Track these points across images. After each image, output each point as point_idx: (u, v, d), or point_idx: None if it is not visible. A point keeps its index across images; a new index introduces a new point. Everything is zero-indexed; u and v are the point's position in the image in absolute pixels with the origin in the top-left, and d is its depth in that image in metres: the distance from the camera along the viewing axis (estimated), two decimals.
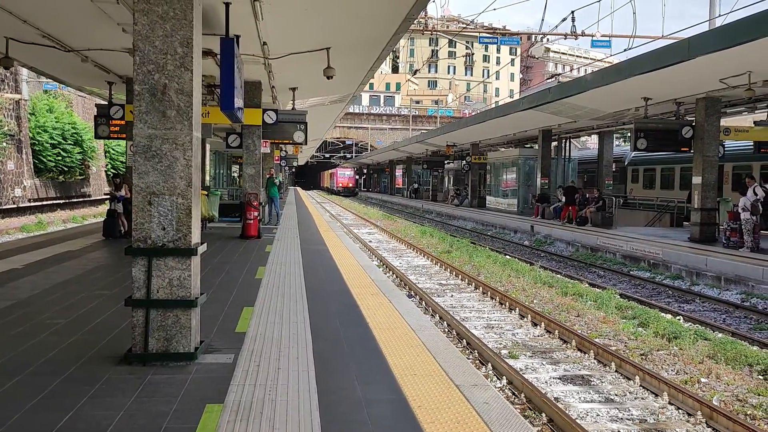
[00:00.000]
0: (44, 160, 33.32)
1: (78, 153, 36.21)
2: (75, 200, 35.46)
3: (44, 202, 31.53)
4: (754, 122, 19.88)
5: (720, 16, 19.86)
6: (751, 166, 22.54)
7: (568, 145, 32.84)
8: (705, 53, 13.73)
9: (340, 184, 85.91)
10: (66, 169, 35.49)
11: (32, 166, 32.19)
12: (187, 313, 5.60)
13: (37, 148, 32.96)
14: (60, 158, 34.50)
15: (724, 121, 19.74)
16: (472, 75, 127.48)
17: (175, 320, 5.58)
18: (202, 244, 5.87)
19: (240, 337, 6.46)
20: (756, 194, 15.95)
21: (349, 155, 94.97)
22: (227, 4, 9.47)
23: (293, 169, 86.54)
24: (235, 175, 37.04)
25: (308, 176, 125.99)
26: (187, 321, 5.60)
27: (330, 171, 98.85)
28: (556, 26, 28.71)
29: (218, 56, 10.39)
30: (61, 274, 10.24)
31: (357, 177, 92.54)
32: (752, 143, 20.53)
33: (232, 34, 9.87)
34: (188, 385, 5.07)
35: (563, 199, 25.94)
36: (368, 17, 11.05)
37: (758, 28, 12.26)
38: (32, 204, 29.97)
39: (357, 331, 6.92)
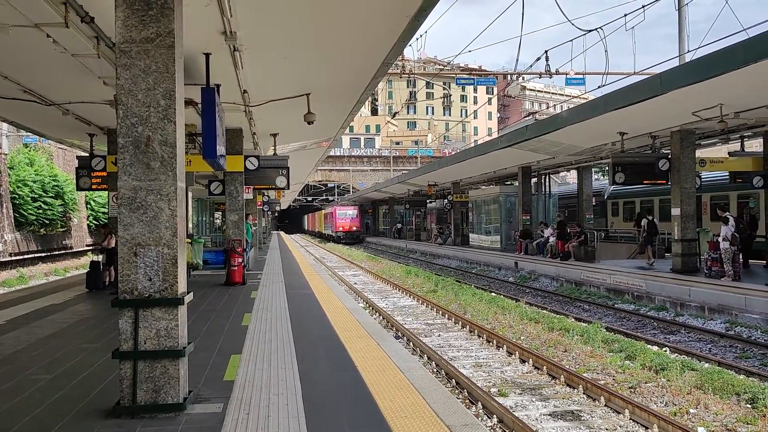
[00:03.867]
0: (25, 213, 33.12)
1: (59, 205, 36.05)
2: (57, 253, 35.15)
3: (26, 256, 31.22)
4: (729, 153, 20.24)
5: (689, 51, 20.31)
6: (728, 196, 22.89)
7: (548, 180, 33.22)
8: (676, 88, 14.06)
9: (341, 228, 67.29)
10: (47, 221, 35.27)
11: (13, 220, 31.96)
12: (175, 364, 5.57)
13: (18, 202, 32.79)
14: (41, 211, 34.32)
15: (700, 153, 20.10)
16: (450, 115, 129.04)
17: (164, 371, 5.55)
18: (188, 293, 5.87)
19: (229, 386, 6.42)
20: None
21: (331, 198, 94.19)
22: (207, 55, 9.61)
23: (275, 214, 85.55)
24: (218, 221, 36.97)
25: (291, 220, 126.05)
26: (175, 371, 5.57)
27: (325, 211, 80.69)
28: (531, 65, 29.09)
29: (199, 105, 10.51)
30: (44, 329, 10.12)
31: (361, 217, 72.75)
32: (728, 173, 20.87)
33: (212, 84, 10.00)
34: None
35: (548, 235, 25.97)
36: (347, 63, 11.24)
37: (727, 62, 12.58)
38: (13, 258, 29.66)
39: (346, 375, 6.91)
